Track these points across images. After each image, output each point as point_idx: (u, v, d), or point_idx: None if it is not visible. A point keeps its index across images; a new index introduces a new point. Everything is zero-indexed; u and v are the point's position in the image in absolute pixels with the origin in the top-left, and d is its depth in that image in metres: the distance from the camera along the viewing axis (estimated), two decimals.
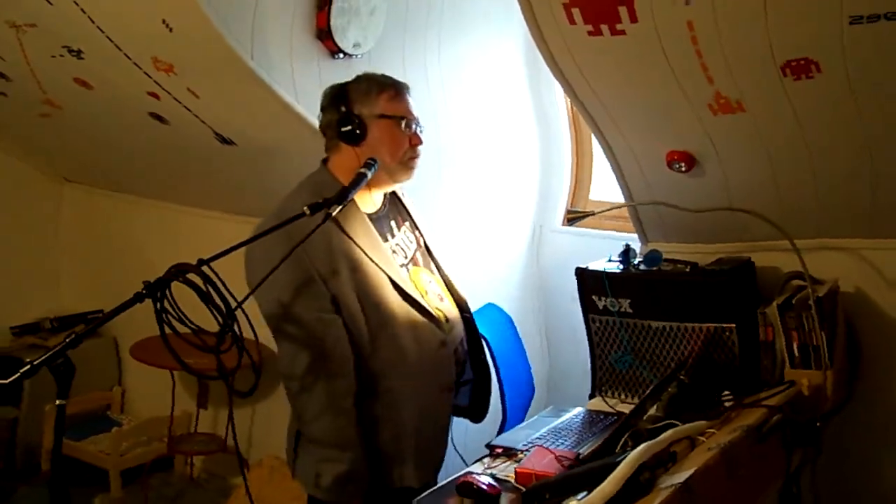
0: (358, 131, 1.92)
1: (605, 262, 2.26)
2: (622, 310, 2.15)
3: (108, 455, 3.36)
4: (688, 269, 2.13)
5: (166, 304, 1.54)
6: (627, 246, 2.26)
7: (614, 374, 2.23)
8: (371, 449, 1.92)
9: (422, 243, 2.14)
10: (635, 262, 2.22)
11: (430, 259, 2.14)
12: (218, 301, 1.57)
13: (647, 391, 1.86)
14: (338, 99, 1.96)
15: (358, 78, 2.00)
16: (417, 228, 2.15)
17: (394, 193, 2.13)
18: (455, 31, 2.83)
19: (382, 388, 1.94)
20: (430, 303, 2.01)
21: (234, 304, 1.60)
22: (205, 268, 1.56)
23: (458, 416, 2.19)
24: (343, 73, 2.38)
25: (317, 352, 1.84)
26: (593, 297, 2.20)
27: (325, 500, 1.91)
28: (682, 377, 1.87)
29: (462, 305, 2.14)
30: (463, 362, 2.12)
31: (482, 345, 2.21)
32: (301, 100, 2.43)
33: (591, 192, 3.35)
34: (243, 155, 2.82)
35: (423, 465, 2.00)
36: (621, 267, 2.20)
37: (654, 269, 2.17)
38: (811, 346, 1.95)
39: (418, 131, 1.99)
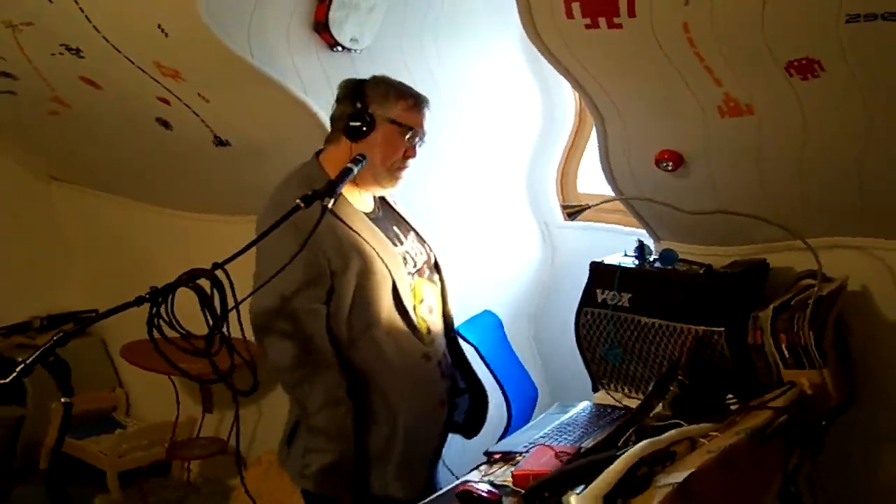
0: (365, 128, 1.93)
1: (621, 256, 2.25)
2: (619, 304, 2.14)
3: (106, 456, 3.37)
4: (702, 271, 2.12)
5: (162, 309, 1.55)
6: (641, 242, 2.25)
7: (608, 367, 2.21)
8: (359, 446, 1.94)
9: (432, 258, 2.15)
10: (650, 258, 2.21)
11: (434, 272, 2.15)
12: (216, 304, 1.57)
13: (651, 388, 1.86)
14: (355, 94, 1.97)
15: (375, 79, 2.02)
16: (425, 241, 2.16)
17: (384, 200, 2.14)
18: (453, 30, 2.81)
19: (375, 385, 1.96)
20: (419, 313, 2.03)
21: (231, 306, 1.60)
22: (218, 271, 1.57)
23: (453, 432, 2.21)
24: (346, 66, 2.42)
25: (302, 344, 1.87)
26: (597, 290, 2.19)
27: (312, 490, 1.93)
28: (681, 377, 1.87)
29: (448, 322, 2.16)
30: (450, 375, 2.14)
31: (466, 358, 2.23)
32: (310, 93, 2.43)
33: (578, 187, 3.30)
34: (238, 155, 2.83)
35: (407, 475, 2.01)
36: (636, 262, 2.19)
37: (669, 267, 2.16)
38: (800, 347, 1.91)
39: (418, 146, 2.01)
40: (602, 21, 1.89)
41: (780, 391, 1.88)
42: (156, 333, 1.56)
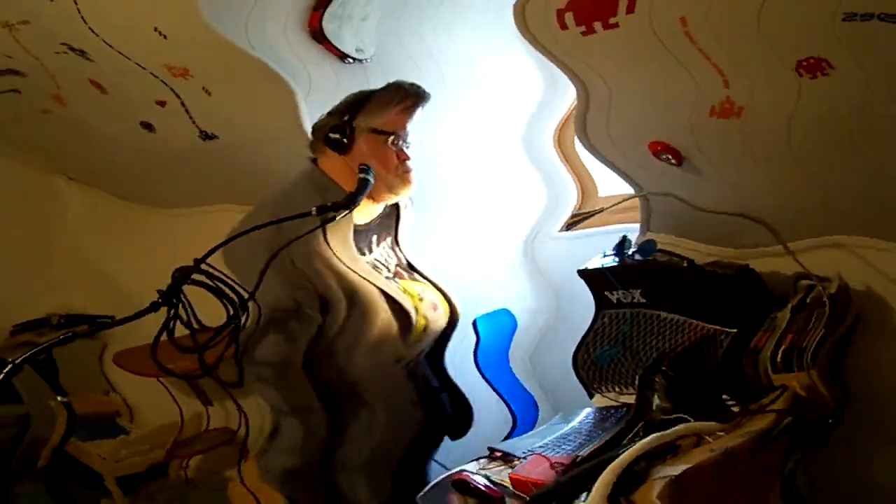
0: (345, 140, 1.93)
1: (601, 258, 2.24)
2: (635, 300, 2.13)
3: (105, 460, 3.27)
4: (685, 265, 2.11)
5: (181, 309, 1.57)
6: (624, 237, 2.25)
7: (597, 369, 2.21)
8: (327, 452, 1.94)
9: (403, 260, 2.15)
10: (629, 252, 2.21)
11: (413, 273, 2.16)
12: (228, 292, 1.59)
13: (637, 381, 1.86)
14: (350, 107, 1.97)
15: (387, 86, 2.01)
16: (398, 244, 2.16)
17: (395, 205, 2.14)
18: (450, 18, 2.76)
19: (357, 397, 1.97)
20: (421, 310, 2.03)
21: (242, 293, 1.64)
22: (204, 265, 1.59)
23: (438, 432, 2.21)
24: (360, 76, 2.41)
25: (291, 349, 1.88)
26: (606, 293, 2.19)
27: (277, 490, 1.94)
28: (664, 369, 1.87)
29: (453, 319, 2.16)
30: (422, 376, 2.16)
31: (442, 355, 2.22)
32: (315, 97, 2.42)
33: (599, 190, 3.23)
34: (229, 152, 2.84)
35: (375, 481, 2.00)
36: (616, 260, 2.19)
37: (649, 258, 2.15)
38: (796, 349, 1.88)
39: (404, 147, 2.01)
40: (597, 25, 1.88)
41: (775, 395, 1.87)
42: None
